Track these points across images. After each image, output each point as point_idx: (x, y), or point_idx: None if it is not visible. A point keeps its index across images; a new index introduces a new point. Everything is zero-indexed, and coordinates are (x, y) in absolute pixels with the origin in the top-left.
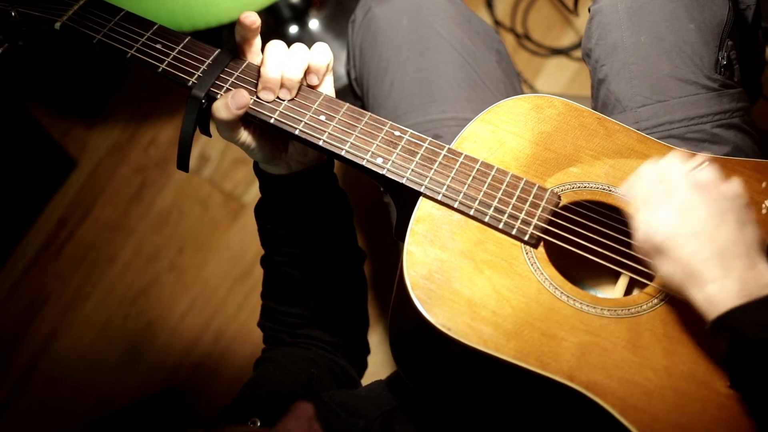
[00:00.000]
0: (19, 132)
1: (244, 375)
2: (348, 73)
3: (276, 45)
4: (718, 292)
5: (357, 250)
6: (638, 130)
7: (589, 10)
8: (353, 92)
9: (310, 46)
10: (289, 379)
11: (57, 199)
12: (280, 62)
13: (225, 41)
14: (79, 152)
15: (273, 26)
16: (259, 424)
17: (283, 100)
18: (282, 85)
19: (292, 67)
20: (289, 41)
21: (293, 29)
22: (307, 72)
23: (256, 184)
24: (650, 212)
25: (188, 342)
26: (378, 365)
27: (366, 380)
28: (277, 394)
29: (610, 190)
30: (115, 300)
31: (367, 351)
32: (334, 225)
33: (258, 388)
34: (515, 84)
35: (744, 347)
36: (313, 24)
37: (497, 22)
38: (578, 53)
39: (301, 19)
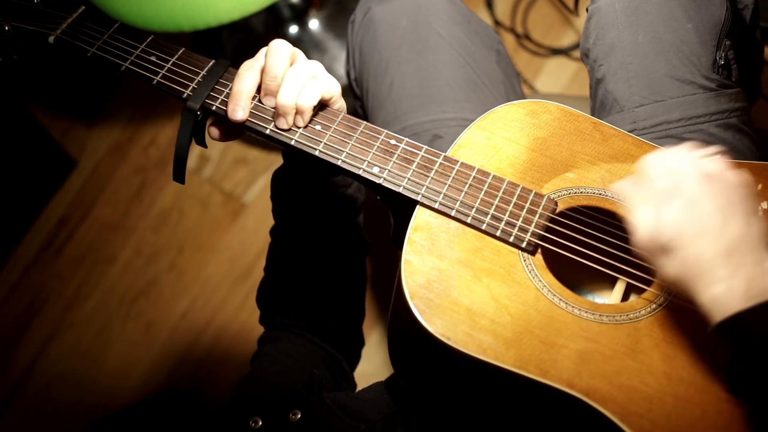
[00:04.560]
0: (19, 132)
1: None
2: (347, 74)
3: (294, 73)
4: (724, 294)
5: (362, 236)
6: (636, 129)
7: (587, 10)
8: (353, 92)
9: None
10: (288, 376)
11: (57, 199)
12: (295, 89)
13: (225, 43)
14: (79, 152)
15: (273, 26)
16: (260, 423)
17: (299, 128)
18: (297, 112)
19: (307, 95)
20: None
21: (293, 29)
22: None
23: (256, 184)
24: (657, 210)
25: (188, 342)
26: (378, 366)
27: (366, 381)
28: (277, 392)
29: (606, 195)
30: (115, 300)
31: (362, 343)
32: (346, 202)
33: (257, 384)
34: (515, 84)
35: (750, 351)
36: (313, 24)
37: (497, 22)
38: (578, 53)
39: (301, 19)
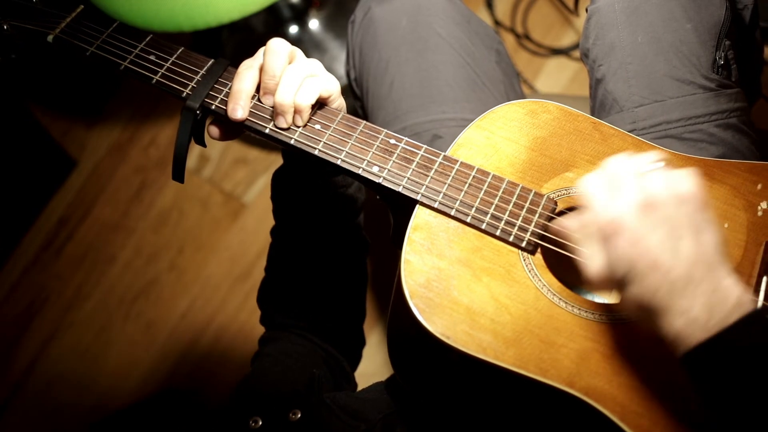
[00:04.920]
0: (19, 132)
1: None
2: (347, 74)
3: (292, 71)
4: (685, 327)
5: (362, 236)
6: (635, 129)
7: (586, 10)
8: (353, 93)
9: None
10: (288, 376)
11: (57, 199)
12: (293, 87)
13: (225, 43)
14: (79, 152)
15: (273, 26)
16: (260, 423)
17: (298, 127)
18: (296, 111)
19: (305, 94)
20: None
21: (293, 29)
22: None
23: (256, 184)
24: (605, 247)
25: (188, 342)
26: (378, 366)
27: (366, 381)
28: (277, 392)
29: None
30: (115, 300)
31: (362, 343)
32: (346, 202)
33: (257, 384)
34: (515, 84)
35: (711, 380)
36: (313, 24)
37: (497, 22)
38: (578, 53)
39: (301, 19)
